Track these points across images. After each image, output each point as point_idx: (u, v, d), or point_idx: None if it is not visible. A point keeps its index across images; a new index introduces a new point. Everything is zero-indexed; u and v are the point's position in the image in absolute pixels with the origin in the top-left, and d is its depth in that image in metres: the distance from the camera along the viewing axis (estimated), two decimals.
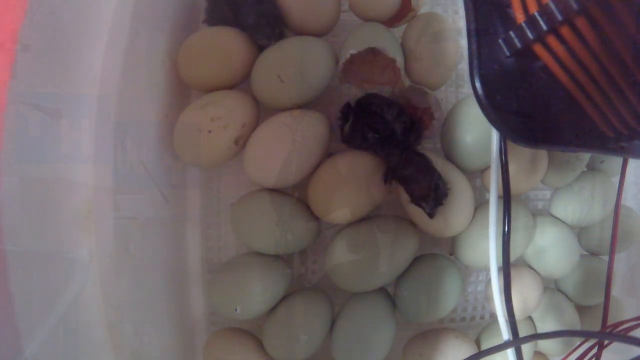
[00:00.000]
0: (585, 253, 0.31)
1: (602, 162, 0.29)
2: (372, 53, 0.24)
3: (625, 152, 0.20)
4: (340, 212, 0.24)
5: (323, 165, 0.25)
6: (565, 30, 0.16)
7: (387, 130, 0.24)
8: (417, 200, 0.24)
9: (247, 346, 0.25)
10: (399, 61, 0.24)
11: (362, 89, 0.25)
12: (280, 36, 0.25)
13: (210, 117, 0.23)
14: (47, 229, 0.21)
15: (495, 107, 0.18)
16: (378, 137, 0.24)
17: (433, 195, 0.23)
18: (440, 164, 0.25)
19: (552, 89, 0.18)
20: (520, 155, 0.25)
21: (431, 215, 0.24)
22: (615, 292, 0.30)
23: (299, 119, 0.24)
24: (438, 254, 0.27)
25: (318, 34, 0.26)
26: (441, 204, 0.24)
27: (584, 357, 0.25)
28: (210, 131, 0.23)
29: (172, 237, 0.27)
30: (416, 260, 0.26)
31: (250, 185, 0.25)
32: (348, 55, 0.23)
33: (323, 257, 0.26)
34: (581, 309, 0.30)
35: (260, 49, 0.25)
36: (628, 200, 0.32)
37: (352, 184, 0.24)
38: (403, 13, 0.26)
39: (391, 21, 0.26)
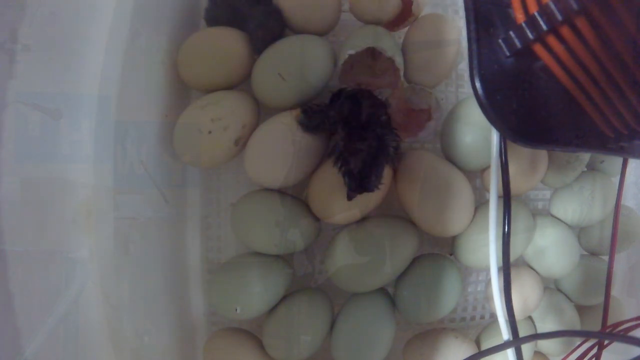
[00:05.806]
0: (585, 253, 0.31)
1: (602, 162, 0.29)
2: (371, 54, 0.24)
3: (625, 152, 0.20)
4: (341, 212, 0.24)
5: (323, 165, 0.25)
6: (565, 30, 0.16)
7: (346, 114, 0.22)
8: (345, 171, 0.22)
9: (247, 346, 0.25)
10: (398, 61, 0.24)
11: None
12: (280, 37, 0.25)
13: (210, 118, 0.23)
14: (47, 229, 0.21)
15: (495, 107, 0.18)
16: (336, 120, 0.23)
17: (365, 178, 0.22)
18: (439, 163, 0.25)
19: (552, 88, 0.18)
20: (520, 155, 0.25)
21: (349, 197, 0.22)
22: (615, 292, 0.30)
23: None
24: (438, 254, 0.27)
25: (319, 33, 0.26)
26: (361, 190, 0.22)
27: (584, 357, 0.25)
28: (210, 132, 0.23)
29: (172, 237, 0.27)
30: (416, 260, 0.26)
31: (250, 185, 0.25)
32: (347, 56, 0.23)
33: (323, 256, 0.26)
34: (581, 309, 0.29)
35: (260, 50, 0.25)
36: (628, 200, 0.32)
37: None
38: (403, 17, 0.26)
39: (391, 25, 0.26)
